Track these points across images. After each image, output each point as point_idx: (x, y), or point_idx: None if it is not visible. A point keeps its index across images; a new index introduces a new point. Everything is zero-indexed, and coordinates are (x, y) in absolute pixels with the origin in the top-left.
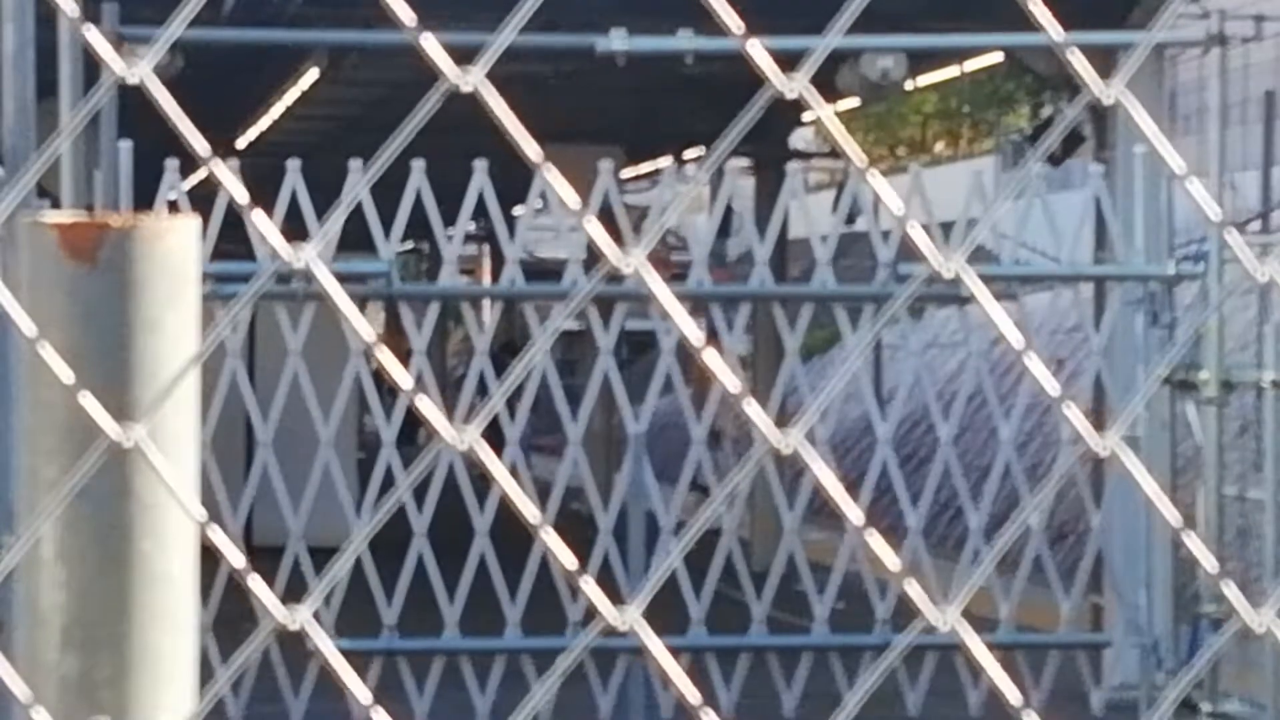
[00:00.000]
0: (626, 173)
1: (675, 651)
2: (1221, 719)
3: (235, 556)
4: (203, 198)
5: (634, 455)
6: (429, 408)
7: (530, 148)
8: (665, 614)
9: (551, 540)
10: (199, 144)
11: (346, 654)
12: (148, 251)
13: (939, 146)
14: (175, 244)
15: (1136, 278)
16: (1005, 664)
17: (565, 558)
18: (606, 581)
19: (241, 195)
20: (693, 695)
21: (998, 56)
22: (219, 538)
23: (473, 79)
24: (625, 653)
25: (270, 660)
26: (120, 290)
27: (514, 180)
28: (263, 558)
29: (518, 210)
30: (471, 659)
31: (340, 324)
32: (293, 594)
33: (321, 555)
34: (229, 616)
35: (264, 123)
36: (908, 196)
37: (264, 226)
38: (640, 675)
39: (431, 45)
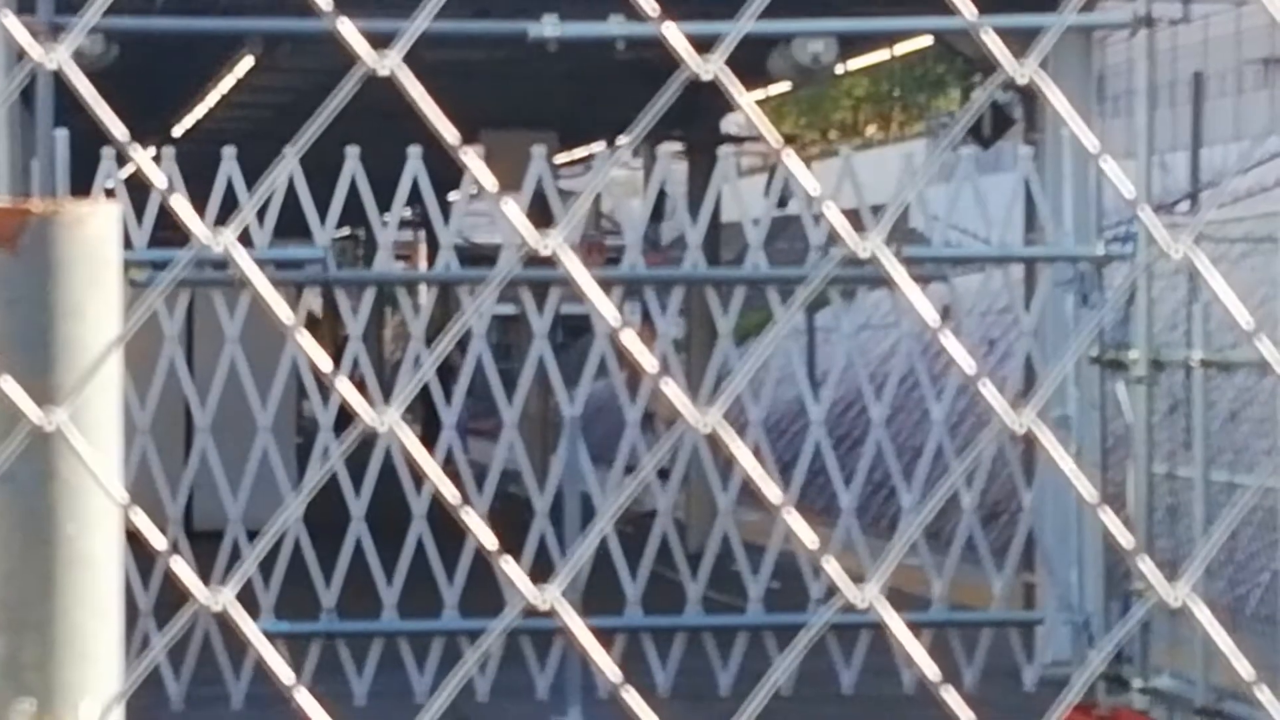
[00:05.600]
0: (560, 158)
1: (612, 632)
2: (1152, 694)
3: (158, 539)
4: (142, 185)
5: (569, 438)
6: (349, 390)
7: (449, 131)
8: (602, 595)
9: (473, 521)
10: (118, 130)
11: (286, 636)
12: (69, 237)
13: (870, 130)
14: (97, 230)
15: (1066, 259)
16: (938, 641)
17: (487, 538)
18: (543, 563)
19: (161, 181)
20: (614, 674)
21: (927, 40)
22: (142, 521)
23: (389, 63)
24: (562, 633)
25: (211, 643)
26: (42, 276)
27: (450, 166)
28: (202, 542)
29: (453, 196)
30: (410, 640)
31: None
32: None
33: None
34: (172, 600)
35: (200, 110)
36: (839, 180)
37: (183, 212)
38: (576, 656)
39: (349, 30)
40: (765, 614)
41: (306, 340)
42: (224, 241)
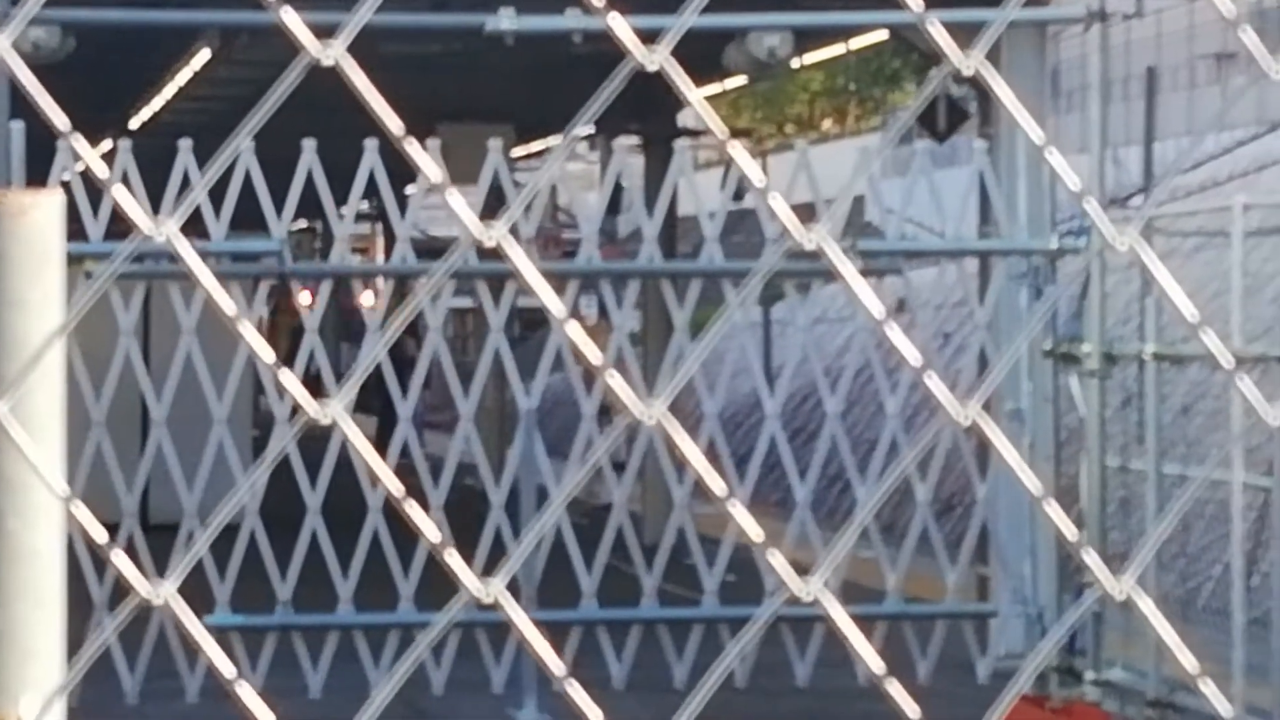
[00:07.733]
0: (517, 151)
1: (567, 624)
2: (1105, 686)
3: (99, 533)
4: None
5: (526, 430)
6: (292, 381)
7: (394, 123)
8: (557, 587)
9: (417, 514)
10: (61, 120)
11: (241, 629)
12: (11, 228)
13: (827, 124)
14: (39, 220)
15: (1020, 252)
16: (893, 634)
17: (431, 531)
18: (499, 556)
19: (105, 171)
20: (558, 666)
21: (883, 34)
22: (83, 514)
23: (333, 53)
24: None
25: (166, 636)
26: None
27: (406, 159)
28: (159, 535)
29: (410, 189)
30: (365, 633)
31: (235, 302)
32: (188, 571)
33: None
34: (129, 594)
35: (157, 103)
36: (794, 173)
37: (127, 202)
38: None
39: (293, 20)
40: (720, 607)
41: (251, 332)
42: (166, 232)
